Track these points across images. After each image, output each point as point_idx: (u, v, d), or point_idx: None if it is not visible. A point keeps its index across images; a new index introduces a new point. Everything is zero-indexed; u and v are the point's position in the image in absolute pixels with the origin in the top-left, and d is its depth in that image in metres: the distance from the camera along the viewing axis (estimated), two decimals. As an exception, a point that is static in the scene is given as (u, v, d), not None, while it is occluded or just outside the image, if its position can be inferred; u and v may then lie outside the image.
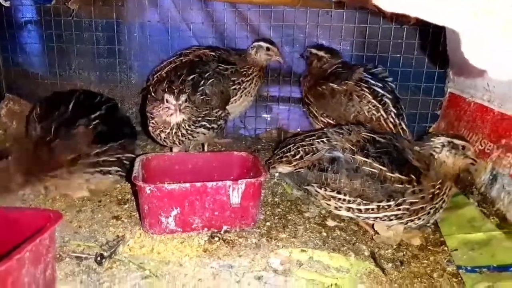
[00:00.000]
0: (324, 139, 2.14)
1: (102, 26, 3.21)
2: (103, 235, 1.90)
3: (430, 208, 1.95)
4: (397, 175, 1.91)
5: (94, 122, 2.27)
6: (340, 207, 2.02)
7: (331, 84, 2.65)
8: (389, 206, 1.91)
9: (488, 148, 2.41)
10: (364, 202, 1.94)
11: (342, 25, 3.05)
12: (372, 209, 1.94)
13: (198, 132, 2.41)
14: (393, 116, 2.53)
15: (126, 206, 2.19)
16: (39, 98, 2.60)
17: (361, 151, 2.00)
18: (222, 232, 1.95)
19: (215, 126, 2.53)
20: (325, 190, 2.03)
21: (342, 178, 1.97)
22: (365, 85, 2.57)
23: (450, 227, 2.10)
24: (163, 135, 2.33)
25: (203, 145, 2.84)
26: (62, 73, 3.32)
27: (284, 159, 2.25)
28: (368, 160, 1.96)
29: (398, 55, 3.00)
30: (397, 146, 2.04)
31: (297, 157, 2.19)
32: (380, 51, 3.02)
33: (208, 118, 2.45)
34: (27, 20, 3.32)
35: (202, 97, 2.45)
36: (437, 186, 1.94)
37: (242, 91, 2.88)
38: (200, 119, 2.38)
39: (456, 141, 1.97)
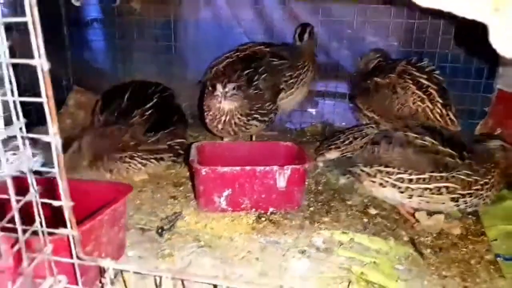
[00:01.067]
0: (373, 125, 2.28)
1: (161, 24, 3.46)
2: (162, 212, 2.11)
3: (484, 183, 1.99)
4: (448, 149, 2.00)
5: (148, 113, 2.48)
6: (386, 182, 2.08)
7: (374, 79, 2.72)
8: (442, 177, 1.97)
9: (535, 145, 2.41)
10: (416, 172, 2.01)
11: (390, 21, 3.10)
12: (424, 179, 1.99)
13: (251, 125, 2.60)
14: (440, 106, 2.50)
15: (181, 188, 2.39)
16: (102, 92, 2.87)
17: (412, 130, 2.12)
18: (268, 213, 2.10)
19: (266, 119, 2.71)
20: (371, 167, 2.13)
21: (396, 148, 2.07)
22: (409, 77, 2.59)
23: (491, 219, 2.13)
24: (220, 126, 2.53)
25: (251, 136, 3.01)
26: (124, 67, 3.60)
27: (332, 146, 2.38)
28: (420, 136, 2.07)
29: (447, 51, 3.02)
30: (447, 131, 2.15)
31: (347, 142, 2.33)
32: (428, 47, 3.05)
33: (260, 111, 2.63)
34: (92, 18, 3.63)
35: (256, 91, 2.62)
36: (490, 164, 2.02)
37: (299, 82, 3.03)
38: (253, 112, 2.57)
39: (506, 145, 2.08)
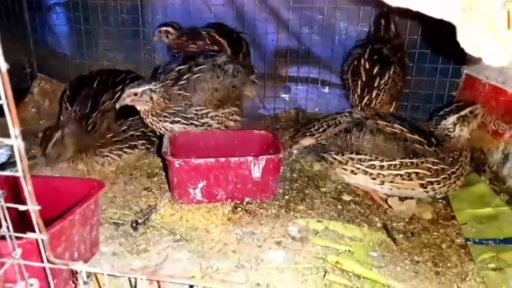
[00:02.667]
0: (347, 114, 2.30)
1: (127, 8, 3.34)
2: (136, 204, 2.08)
3: (451, 173, 2.04)
4: (416, 136, 2.04)
5: (117, 96, 2.41)
6: (358, 169, 2.12)
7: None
8: (412, 163, 2.01)
9: (501, 129, 2.49)
10: (387, 158, 2.05)
11: (360, 7, 3.10)
12: (395, 166, 2.04)
13: (171, 127, 2.35)
14: (356, 97, 2.65)
15: (155, 179, 2.35)
16: (70, 80, 2.74)
17: (383, 119, 2.15)
18: (244, 203, 2.10)
19: (196, 123, 2.40)
20: (342, 155, 2.16)
21: (366, 135, 2.10)
22: (357, 62, 2.73)
23: (461, 203, 2.20)
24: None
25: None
26: (89, 53, 3.47)
27: (307, 133, 2.40)
28: (390, 124, 2.11)
29: (416, 37, 3.05)
30: (415, 120, 2.18)
31: (320, 130, 2.34)
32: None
33: (183, 114, 2.35)
34: (55, 2, 3.47)
35: (180, 91, 2.34)
36: (456, 153, 2.06)
37: None
38: (166, 114, 2.31)
39: (463, 112, 2.08)
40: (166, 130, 2.36)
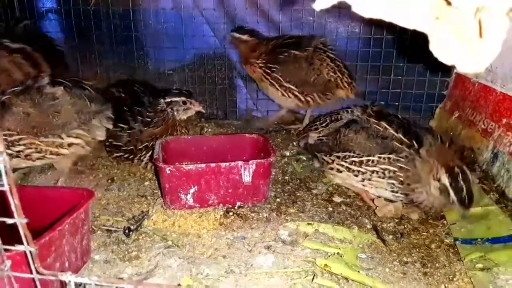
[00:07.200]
0: (349, 110, 2.36)
1: (119, 14, 3.35)
2: (129, 211, 2.10)
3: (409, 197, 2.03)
4: (400, 135, 2.05)
5: None
6: (342, 166, 2.19)
7: (293, 51, 2.88)
8: (389, 158, 2.02)
9: (490, 127, 2.52)
10: (367, 154, 2.09)
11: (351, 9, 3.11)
12: (372, 161, 2.07)
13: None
14: (347, 76, 2.92)
15: (148, 184, 2.38)
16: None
17: (377, 116, 2.19)
18: (236, 207, 2.12)
19: (9, 151, 2.04)
20: (330, 155, 2.25)
21: (350, 134, 2.18)
22: (322, 51, 2.88)
23: (450, 203, 2.22)
24: None
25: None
26: (83, 60, 3.49)
27: (313, 127, 2.51)
28: (379, 121, 2.14)
29: (405, 36, 3.07)
30: (413, 124, 2.18)
31: (324, 124, 2.44)
32: (387, 33, 3.10)
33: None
34: (47, 9, 3.48)
35: None
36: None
37: None
38: None
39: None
40: None
